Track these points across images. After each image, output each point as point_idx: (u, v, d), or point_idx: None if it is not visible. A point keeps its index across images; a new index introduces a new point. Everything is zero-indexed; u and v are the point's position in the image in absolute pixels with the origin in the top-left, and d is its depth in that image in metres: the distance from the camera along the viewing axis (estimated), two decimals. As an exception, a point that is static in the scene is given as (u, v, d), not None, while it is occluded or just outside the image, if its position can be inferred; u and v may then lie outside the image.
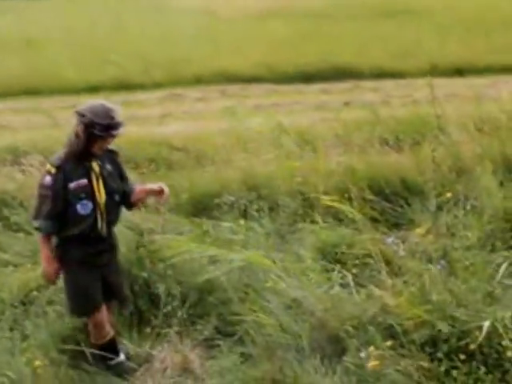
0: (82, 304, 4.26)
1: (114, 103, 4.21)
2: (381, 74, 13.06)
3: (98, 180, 4.14)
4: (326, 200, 5.13)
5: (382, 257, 4.53)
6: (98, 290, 4.27)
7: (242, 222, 5.80)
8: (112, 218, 4.30)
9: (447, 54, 14.28)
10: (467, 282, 4.36)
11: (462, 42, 15.21)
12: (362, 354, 3.73)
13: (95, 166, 4.14)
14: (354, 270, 4.86)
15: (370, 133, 7.91)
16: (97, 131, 3.95)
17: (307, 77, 13.07)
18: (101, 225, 4.18)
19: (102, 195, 4.15)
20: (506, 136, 7.10)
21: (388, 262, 4.71)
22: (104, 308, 4.30)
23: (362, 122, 8.55)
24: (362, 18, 19.09)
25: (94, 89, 12.70)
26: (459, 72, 13.53)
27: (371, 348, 3.74)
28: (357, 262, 4.98)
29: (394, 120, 8.28)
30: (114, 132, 4.04)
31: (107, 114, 3.99)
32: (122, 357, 4.45)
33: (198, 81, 13.38)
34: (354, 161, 6.83)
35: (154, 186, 4.51)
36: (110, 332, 4.36)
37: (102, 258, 4.29)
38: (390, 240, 5.16)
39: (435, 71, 13.37)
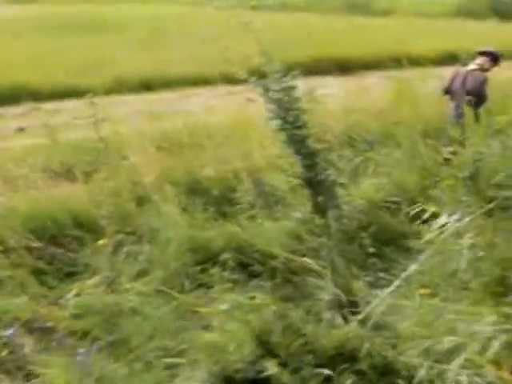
0: None
1: None
2: (63, 94, 11.79)
3: None
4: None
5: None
6: None
7: None
8: None
9: (135, 69, 13.54)
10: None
11: (149, 55, 14.64)
12: None
13: None
14: None
15: (39, 163, 6.75)
16: None
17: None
18: None
19: None
20: (190, 154, 6.45)
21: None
22: None
23: (33, 150, 7.34)
24: (40, 31, 17.69)
25: None
26: (148, 86, 12.87)
27: None
28: None
29: (68, 146, 7.20)
30: None
31: None
32: None
33: None
34: (16, 199, 5.60)
35: None
36: None
37: None
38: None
39: (123, 87, 12.59)
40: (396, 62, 13.04)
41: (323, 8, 24.72)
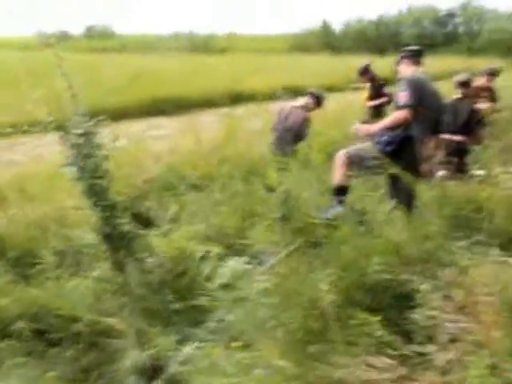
0: None
1: None
2: None
3: None
4: None
5: None
6: None
7: None
8: None
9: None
10: None
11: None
12: None
13: None
14: None
15: None
16: None
17: None
18: None
19: None
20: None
21: None
22: None
23: None
24: None
25: None
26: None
27: None
28: None
29: None
30: None
31: None
32: None
33: None
34: None
35: None
36: None
37: None
38: None
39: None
40: (232, 99, 13.07)
41: (164, 48, 24.73)
